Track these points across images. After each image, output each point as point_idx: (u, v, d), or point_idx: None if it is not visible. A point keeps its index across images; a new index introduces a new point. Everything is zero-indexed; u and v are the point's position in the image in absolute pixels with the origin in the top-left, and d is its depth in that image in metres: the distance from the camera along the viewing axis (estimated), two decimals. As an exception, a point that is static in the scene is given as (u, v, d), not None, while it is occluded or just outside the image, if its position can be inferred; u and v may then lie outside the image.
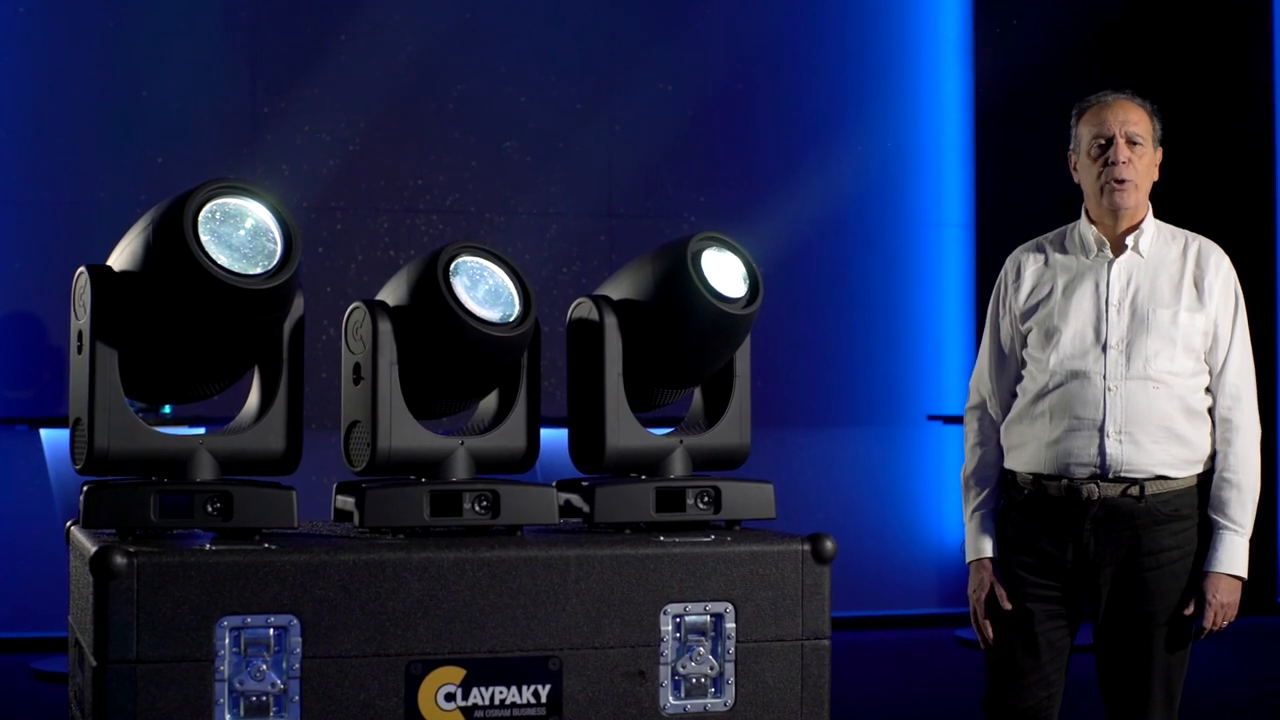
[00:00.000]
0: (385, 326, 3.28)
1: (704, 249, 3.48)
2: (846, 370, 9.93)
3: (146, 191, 8.45)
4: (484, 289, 3.30)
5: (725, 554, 3.26)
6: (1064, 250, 4.32)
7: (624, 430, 3.48)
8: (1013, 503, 4.27)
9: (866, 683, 8.00)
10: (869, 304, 9.92)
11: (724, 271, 3.48)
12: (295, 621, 3.00)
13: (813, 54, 9.81)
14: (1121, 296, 4.20)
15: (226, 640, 2.96)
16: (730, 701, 3.25)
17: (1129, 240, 4.24)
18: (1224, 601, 4.12)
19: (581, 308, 3.56)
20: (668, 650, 3.21)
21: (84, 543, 3.13)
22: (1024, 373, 4.28)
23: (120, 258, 3.13)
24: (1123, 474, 4.12)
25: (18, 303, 8.78)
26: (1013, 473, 4.27)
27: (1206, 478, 4.19)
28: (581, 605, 3.16)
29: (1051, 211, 10.36)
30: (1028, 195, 9.93)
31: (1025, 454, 4.23)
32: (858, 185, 9.72)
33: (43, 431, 8.04)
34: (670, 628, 3.21)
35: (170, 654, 2.93)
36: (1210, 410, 4.19)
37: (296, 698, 3.01)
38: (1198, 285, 4.19)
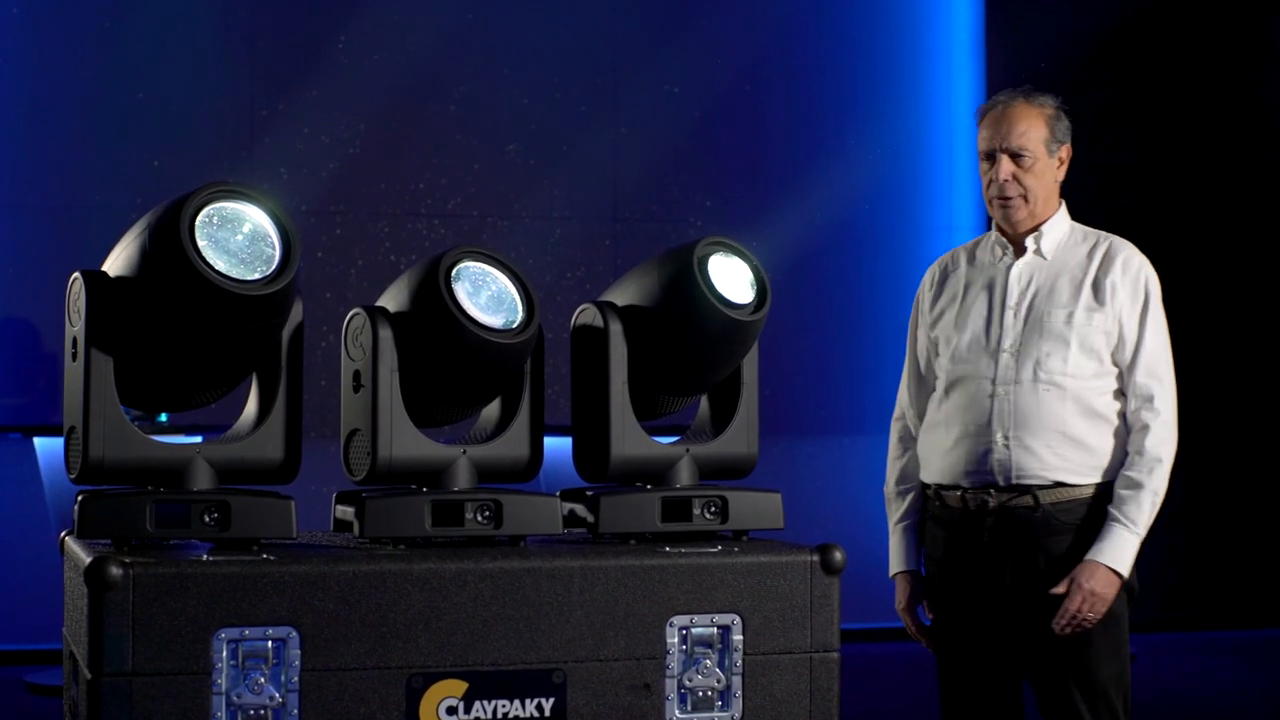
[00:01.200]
0: (386, 333, 3.28)
1: (711, 254, 3.49)
2: (856, 378, 9.93)
3: (142, 195, 8.44)
4: (486, 295, 3.30)
5: (732, 565, 3.26)
6: (974, 257, 4.29)
7: (629, 439, 3.48)
8: (927, 515, 4.24)
9: (876, 696, 7.99)
10: (879, 310, 9.91)
11: (731, 277, 3.48)
12: (294, 634, 3.01)
13: (822, 55, 9.81)
14: (1020, 299, 4.14)
15: (224, 653, 2.97)
16: (737, 715, 3.25)
17: (1029, 242, 4.18)
18: (1094, 590, 3.95)
19: (586, 314, 3.56)
20: (674, 663, 3.21)
21: (79, 553, 3.13)
22: (936, 382, 4.27)
23: (116, 263, 3.14)
24: (1015, 481, 4.03)
25: (11, 309, 8.79)
26: (926, 484, 4.24)
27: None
28: (586, 617, 3.16)
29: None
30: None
31: (931, 464, 4.20)
32: (868, 189, 9.72)
33: (37, 440, 8.04)
34: (676, 640, 3.21)
35: (167, 667, 2.93)
36: (1122, 414, 4.09)
37: (295, 711, 3.01)
38: (1099, 284, 4.11)
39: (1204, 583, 10.18)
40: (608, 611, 3.18)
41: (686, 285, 3.42)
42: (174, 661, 2.94)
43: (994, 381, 4.09)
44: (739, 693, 3.24)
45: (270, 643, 2.99)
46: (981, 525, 4.06)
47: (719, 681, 3.23)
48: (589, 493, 3.46)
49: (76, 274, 3.15)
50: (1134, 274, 4.15)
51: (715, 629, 3.24)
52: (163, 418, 7.53)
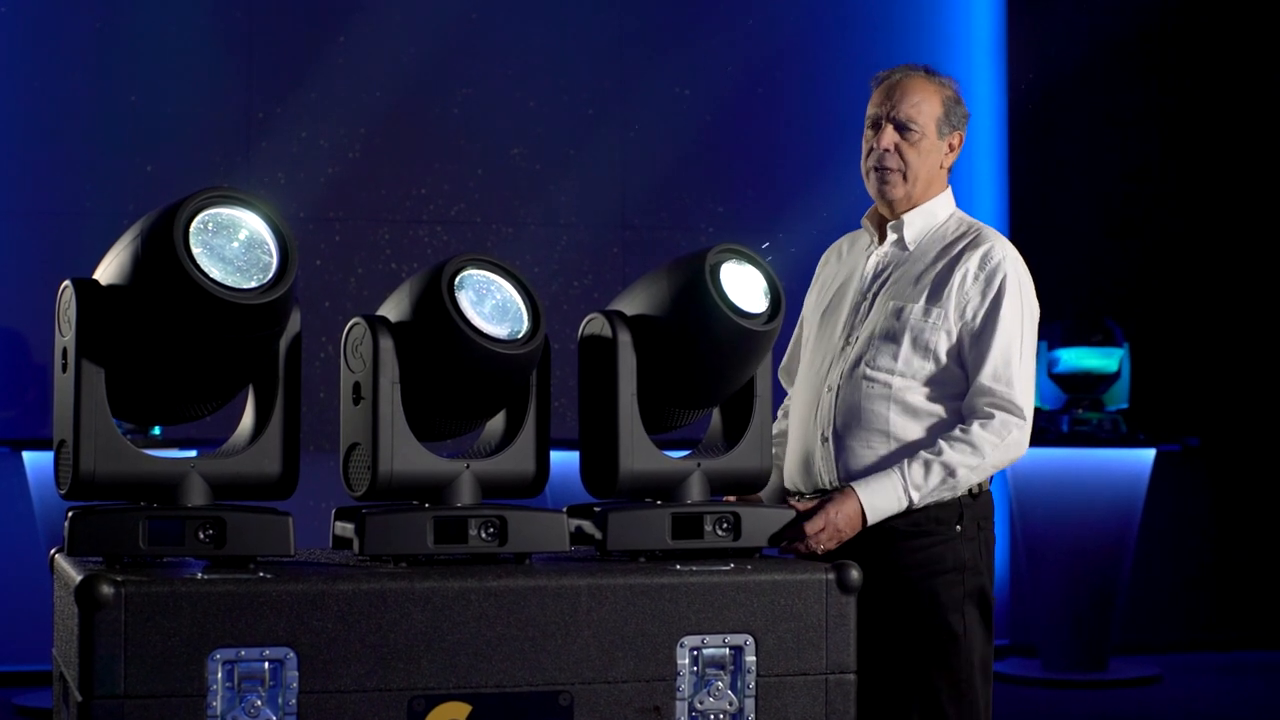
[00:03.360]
0: (387, 343, 3.28)
1: (723, 262, 3.49)
2: (873, 389, 9.90)
3: (135, 201, 8.45)
4: (491, 304, 3.30)
5: (745, 583, 3.26)
6: (855, 243, 4.19)
7: (638, 453, 3.48)
8: None
9: None
10: (896, 319, 9.89)
11: (744, 285, 3.48)
12: (292, 654, 3.00)
13: (837, 55, 9.80)
14: (867, 292, 4.03)
15: (219, 674, 2.96)
16: (750, 739, 3.25)
17: (891, 230, 4.06)
18: (839, 525, 3.71)
19: (593, 324, 3.56)
20: (684, 685, 3.21)
21: (69, 571, 3.13)
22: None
23: (107, 271, 3.14)
24: (840, 485, 3.86)
25: (0, 318, 8.80)
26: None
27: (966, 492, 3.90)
28: (593, 637, 3.16)
29: (1087, 219, 10.36)
30: (1063, 203, 9.93)
31: (785, 463, 4.08)
32: (884, 194, 9.71)
33: (26, 454, 8.04)
34: (687, 661, 3.21)
35: (160, 689, 2.93)
36: (959, 415, 3.89)
37: (293, 735, 3.01)
38: (947, 279, 3.93)
39: (1232, 603, 10.16)
40: (616, 632, 3.18)
41: (698, 294, 3.42)
42: (168, 683, 2.94)
43: (826, 378, 3.99)
44: (752, 715, 3.24)
45: (267, 664, 2.99)
46: None
47: (731, 704, 3.23)
48: (597, 508, 3.46)
49: (67, 282, 3.15)
50: (990, 269, 3.94)
51: (727, 650, 3.24)
52: (156, 431, 7.54)
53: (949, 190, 4.15)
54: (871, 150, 4.04)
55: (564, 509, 3.46)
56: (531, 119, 9.39)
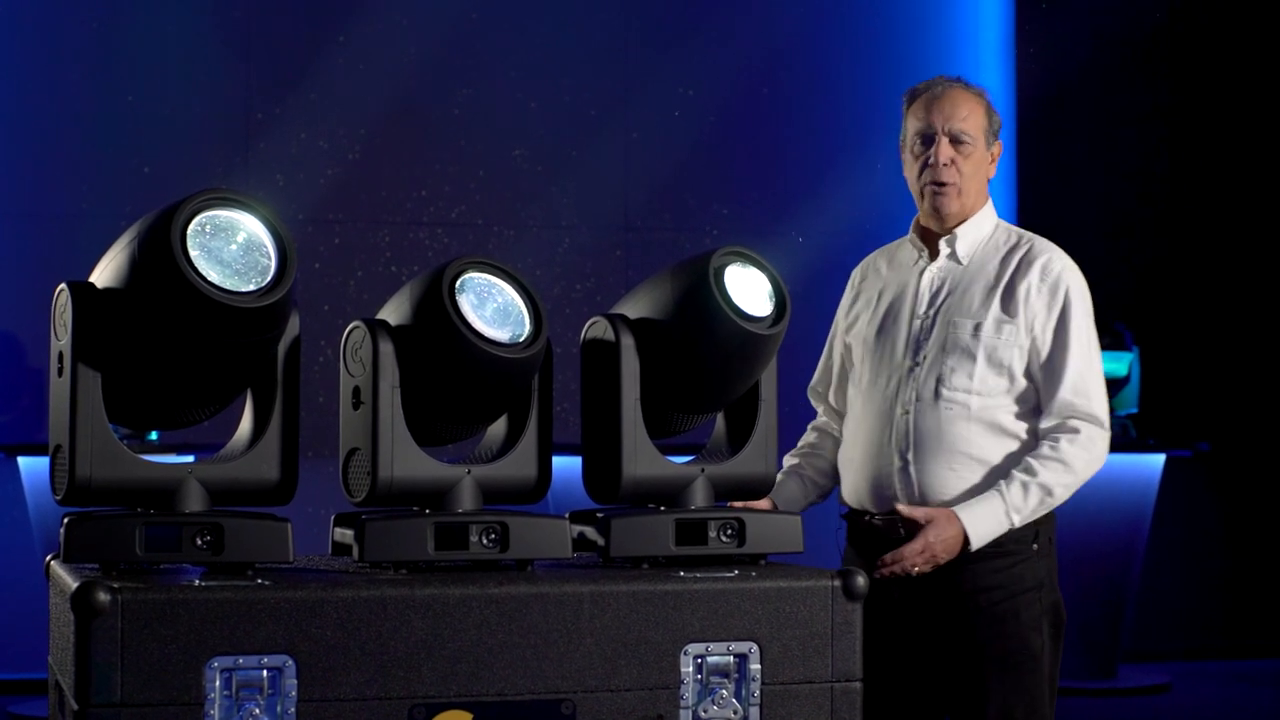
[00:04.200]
0: (387, 347, 3.28)
1: (727, 264, 3.48)
2: (879, 394, 9.89)
3: (132, 203, 8.45)
4: (492, 307, 3.30)
5: (750, 590, 3.25)
6: (894, 260, 4.20)
7: (641, 458, 3.47)
8: (850, 538, 4.13)
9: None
10: (903, 323, 9.88)
11: (748, 288, 3.47)
12: (290, 663, 3.00)
13: (843, 56, 9.80)
14: (928, 308, 4.05)
15: (217, 682, 2.96)
16: (755, 748, 3.24)
17: (943, 245, 4.08)
18: (936, 552, 3.84)
19: (596, 327, 3.56)
20: (688, 693, 3.20)
21: (65, 578, 3.13)
22: (850, 393, 4.19)
23: (104, 274, 3.13)
24: (927, 506, 3.92)
25: (-5, 321, 8.80)
26: (846, 505, 4.15)
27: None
28: (596, 645, 3.16)
29: (1095, 223, 10.35)
30: (1071, 206, 9.92)
31: (847, 484, 4.12)
32: (890, 197, 9.67)
33: (21, 459, 8.05)
34: (691, 669, 3.21)
35: (157, 697, 2.93)
36: (1035, 432, 3.96)
37: (291, 744, 3.00)
38: (1012, 292, 3.98)
39: (1243, 610, 10.16)
40: (619, 639, 3.17)
41: (701, 297, 3.42)
42: (165, 692, 2.93)
43: (896, 398, 4.01)
44: (757, 724, 3.24)
45: (265, 672, 2.99)
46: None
47: (735, 712, 3.22)
48: (599, 514, 3.45)
49: (63, 285, 3.15)
50: (1052, 280, 3.99)
51: (732, 657, 3.23)
52: (153, 436, 7.54)
53: (990, 201, 4.18)
54: (928, 166, 4.07)
55: (566, 515, 3.45)
56: (533, 120, 9.39)
